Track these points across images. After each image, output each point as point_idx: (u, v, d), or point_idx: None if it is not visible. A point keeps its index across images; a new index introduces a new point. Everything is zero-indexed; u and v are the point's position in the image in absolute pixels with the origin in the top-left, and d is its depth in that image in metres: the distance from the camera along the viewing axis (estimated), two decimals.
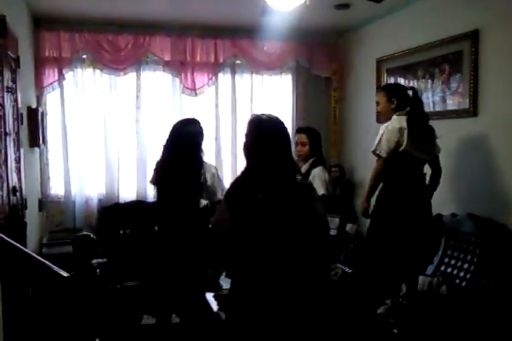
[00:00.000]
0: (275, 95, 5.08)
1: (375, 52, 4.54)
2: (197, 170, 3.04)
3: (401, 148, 3.13)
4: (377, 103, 3.43)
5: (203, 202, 3.13)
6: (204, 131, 3.18)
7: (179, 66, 4.70)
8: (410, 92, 3.27)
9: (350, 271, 3.39)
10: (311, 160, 3.49)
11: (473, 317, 2.79)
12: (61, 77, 4.41)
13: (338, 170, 4.84)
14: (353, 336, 2.83)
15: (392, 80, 4.30)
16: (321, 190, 3.39)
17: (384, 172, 3.28)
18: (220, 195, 3.12)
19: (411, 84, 4.03)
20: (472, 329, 2.72)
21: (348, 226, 4.44)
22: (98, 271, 2.98)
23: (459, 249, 3.33)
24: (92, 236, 2.03)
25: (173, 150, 3.07)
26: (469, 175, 3.48)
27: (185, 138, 3.07)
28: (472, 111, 3.41)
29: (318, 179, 3.40)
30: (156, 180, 3.18)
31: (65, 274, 1.59)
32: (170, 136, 3.12)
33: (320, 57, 5.03)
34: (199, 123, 3.20)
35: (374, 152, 3.27)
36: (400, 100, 3.24)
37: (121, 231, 4.34)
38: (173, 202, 3.05)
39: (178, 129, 3.14)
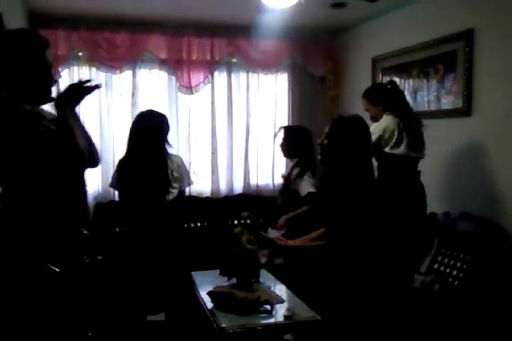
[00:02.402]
0: (271, 94, 5.09)
1: (370, 52, 4.55)
2: (163, 165, 3.04)
3: (387, 149, 3.15)
4: (367, 110, 3.46)
5: (174, 192, 3.15)
6: (168, 122, 3.21)
7: (175, 64, 4.70)
8: (390, 86, 3.29)
9: None
10: (294, 161, 3.62)
11: (465, 315, 2.81)
12: (57, 74, 4.41)
13: None
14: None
15: (387, 79, 4.29)
16: (308, 188, 3.47)
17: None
18: (186, 183, 3.18)
19: (406, 84, 4.06)
20: (464, 328, 2.74)
21: None
22: (93, 268, 2.98)
23: (452, 248, 3.35)
24: (84, 232, 2.03)
25: (136, 146, 3.06)
26: (463, 174, 3.50)
27: (147, 131, 3.06)
28: (466, 110, 3.43)
29: (298, 179, 3.50)
30: (119, 180, 3.16)
31: (57, 269, 1.61)
32: (132, 130, 3.11)
33: (316, 56, 5.04)
34: (161, 115, 3.21)
35: None
36: (384, 99, 3.26)
37: (117, 229, 4.35)
38: (141, 199, 3.04)
39: (138, 123, 3.14)
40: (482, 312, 2.79)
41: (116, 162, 4.56)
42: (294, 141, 3.67)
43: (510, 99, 3.10)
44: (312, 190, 3.49)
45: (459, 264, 3.23)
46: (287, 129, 3.79)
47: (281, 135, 3.77)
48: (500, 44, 3.16)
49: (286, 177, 3.70)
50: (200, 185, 4.87)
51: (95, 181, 4.63)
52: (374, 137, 3.19)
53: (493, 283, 2.96)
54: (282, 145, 3.77)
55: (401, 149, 3.14)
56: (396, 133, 3.10)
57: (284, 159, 5.02)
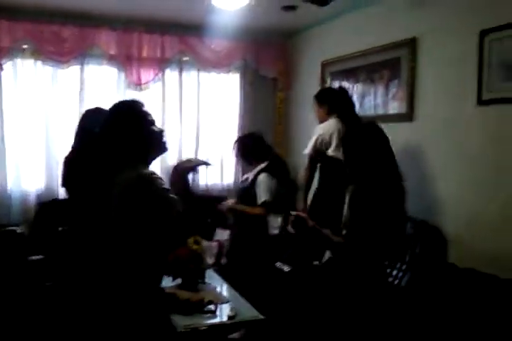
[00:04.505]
0: (222, 93, 5.08)
1: (320, 55, 4.63)
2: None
3: (330, 151, 3.23)
4: (315, 112, 3.54)
5: None
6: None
7: (125, 60, 4.62)
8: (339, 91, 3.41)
9: (288, 269, 3.44)
10: (258, 168, 3.54)
11: (405, 313, 2.90)
12: None
13: None
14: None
15: (336, 83, 4.39)
16: (262, 197, 3.43)
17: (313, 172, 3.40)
18: None
19: (354, 88, 4.16)
20: (403, 326, 2.84)
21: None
22: (33, 268, 2.89)
23: None
24: (18, 231, 1.95)
25: (82, 144, 2.99)
26: (406, 178, 3.60)
27: (94, 129, 3.00)
28: (409, 115, 3.55)
29: (262, 186, 3.45)
30: (66, 178, 3.09)
31: None
32: (78, 127, 3.05)
33: (267, 58, 5.08)
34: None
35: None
36: (331, 103, 3.35)
37: (59, 228, 4.22)
38: (87, 198, 2.98)
39: (85, 120, 3.07)
40: (419, 311, 2.89)
41: (60, 158, 4.49)
42: (249, 150, 3.60)
43: (449, 105, 3.23)
44: (269, 199, 3.41)
45: (398, 265, 3.34)
46: (239, 141, 3.71)
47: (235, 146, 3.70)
48: (441, 52, 3.29)
49: (250, 181, 3.59)
50: None
51: (39, 179, 4.49)
52: (313, 138, 3.30)
53: (430, 283, 3.07)
54: (239, 157, 3.71)
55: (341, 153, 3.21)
56: (335, 137, 3.19)
57: (234, 159, 5.03)
